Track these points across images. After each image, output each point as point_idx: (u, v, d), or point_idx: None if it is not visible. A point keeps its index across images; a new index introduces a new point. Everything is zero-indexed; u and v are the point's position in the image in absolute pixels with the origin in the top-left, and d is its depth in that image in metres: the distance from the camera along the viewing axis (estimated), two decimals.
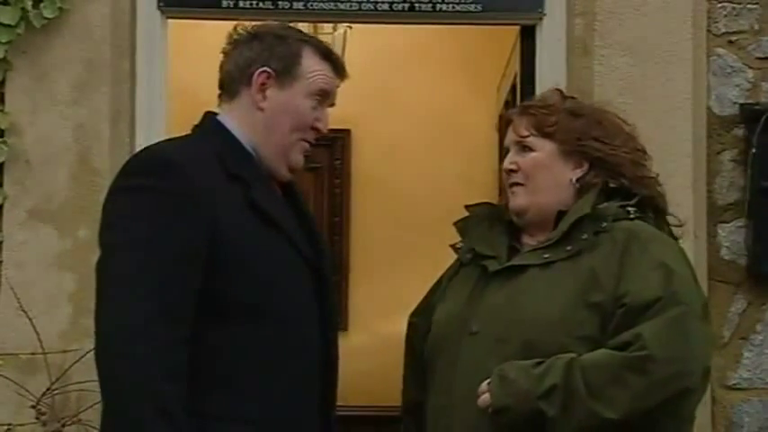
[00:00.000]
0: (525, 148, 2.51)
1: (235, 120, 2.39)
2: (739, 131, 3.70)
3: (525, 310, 2.37)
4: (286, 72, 2.38)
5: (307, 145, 2.43)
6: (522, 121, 2.53)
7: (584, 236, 2.41)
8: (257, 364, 2.26)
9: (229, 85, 2.42)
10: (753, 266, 3.66)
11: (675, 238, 2.53)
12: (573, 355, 2.30)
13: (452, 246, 2.61)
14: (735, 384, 3.65)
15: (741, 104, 3.70)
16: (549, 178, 2.48)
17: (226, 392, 2.24)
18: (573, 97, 2.64)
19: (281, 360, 2.28)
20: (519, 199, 2.50)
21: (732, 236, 3.69)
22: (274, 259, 2.30)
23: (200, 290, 2.21)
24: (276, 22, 2.55)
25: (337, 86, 2.45)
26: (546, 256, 2.41)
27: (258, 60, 2.38)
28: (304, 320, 2.34)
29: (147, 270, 2.18)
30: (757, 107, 3.68)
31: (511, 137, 2.54)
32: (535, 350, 2.33)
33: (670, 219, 2.54)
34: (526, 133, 2.50)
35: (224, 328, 2.24)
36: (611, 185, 2.48)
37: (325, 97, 2.43)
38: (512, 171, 2.51)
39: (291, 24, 2.57)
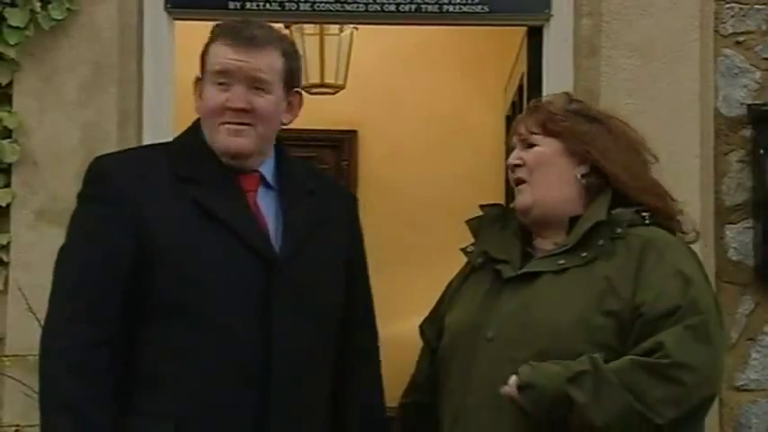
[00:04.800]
0: (530, 144, 2.51)
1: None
2: (747, 132, 3.69)
3: (540, 316, 2.36)
4: (202, 70, 2.45)
5: (230, 126, 2.40)
6: (528, 119, 2.54)
7: (601, 242, 2.40)
8: (182, 362, 2.31)
9: None
10: (760, 267, 3.65)
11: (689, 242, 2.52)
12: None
13: (463, 249, 2.60)
14: (743, 385, 3.64)
15: (749, 105, 3.69)
16: (553, 173, 2.48)
17: (151, 390, 2.31)
18: (580, 101, 2.64)
19: (207, 358, 2.31)
20: (523, 197, 2.50)
21: (740, 237, 3.68)
22: (208, 257, 2.34)
23: (128, 290, 2.31)
24: (236, 18, 2.55)
25: (243, 59, 2.38)
26: (561, 262, 2.41)
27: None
28: (237, 318, 2.33)
29: (73, 273, 2.34)
30: (765, 108, 3.67)
31: (517, 134, 2.54)
32: (550, 357, 2.31)
33: (682, 225, 2.52)
34: (533, 131, 2.51)
35: (151, 327, 2.32)
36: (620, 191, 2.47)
37: (228, 76, 2.39)
38: (516, 166, 2.51)
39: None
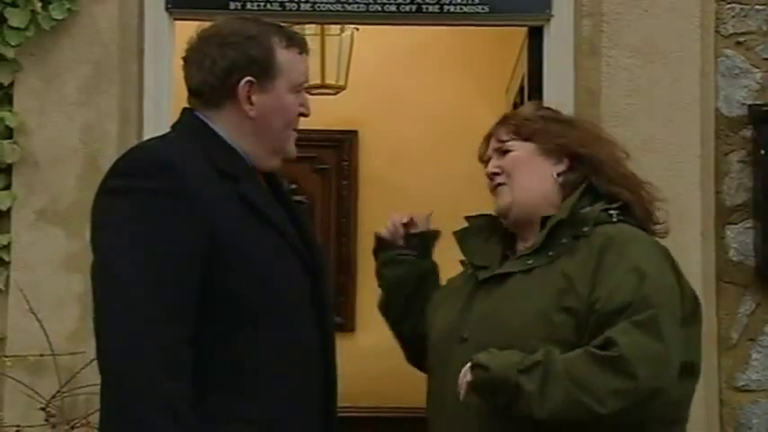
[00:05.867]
0: (505, 152, 2.56)
1: (221, 125, 2.37)
2: (747, 132, 3.70)
3: (505, 315, 2.41)
4: (266, 74, 2.36)
5: (296, 133, 2.43)
6: (499, 129, 2.60)
7: (564, 240, 2.44)
8: (257, 363, 2.25)
9: (210, 96, 2.38)
10: (761, 267, 3.65)
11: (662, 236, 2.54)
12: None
13: (461, 261, 2.64)
14: (743, 386, 3.64)
15: (749, 105, 3.70)
16: (530, 174, 2.53)
17: (226, 392, 2.23)
18: (549, 107, 2.70)
19: (282, 359, 2.28)
20: (501, 198, 2.55)
21: (740, 237, 3.68)
22: (270, 256, 2.29)
23: (200, 289, 2.20)
24: (232, 17, 2.51)
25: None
26: (529, 262, 2.45)
27: (236, 69, 2.34)
28: (301, 318, 2.33)
29: (146, 271, 2.17)
30: (765, 108, 3.68)
31: (491, 145, 2.61)
32: None
33: (657, 216, 2.54)
34: (506, 138, 2.56)
35: (225, 328, 2.24)
36: (595, 185, 2.50)
37: (304, 84, 2.42)
38: (495, 174, 2.57)
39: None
